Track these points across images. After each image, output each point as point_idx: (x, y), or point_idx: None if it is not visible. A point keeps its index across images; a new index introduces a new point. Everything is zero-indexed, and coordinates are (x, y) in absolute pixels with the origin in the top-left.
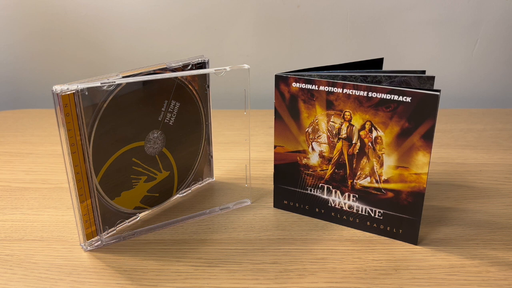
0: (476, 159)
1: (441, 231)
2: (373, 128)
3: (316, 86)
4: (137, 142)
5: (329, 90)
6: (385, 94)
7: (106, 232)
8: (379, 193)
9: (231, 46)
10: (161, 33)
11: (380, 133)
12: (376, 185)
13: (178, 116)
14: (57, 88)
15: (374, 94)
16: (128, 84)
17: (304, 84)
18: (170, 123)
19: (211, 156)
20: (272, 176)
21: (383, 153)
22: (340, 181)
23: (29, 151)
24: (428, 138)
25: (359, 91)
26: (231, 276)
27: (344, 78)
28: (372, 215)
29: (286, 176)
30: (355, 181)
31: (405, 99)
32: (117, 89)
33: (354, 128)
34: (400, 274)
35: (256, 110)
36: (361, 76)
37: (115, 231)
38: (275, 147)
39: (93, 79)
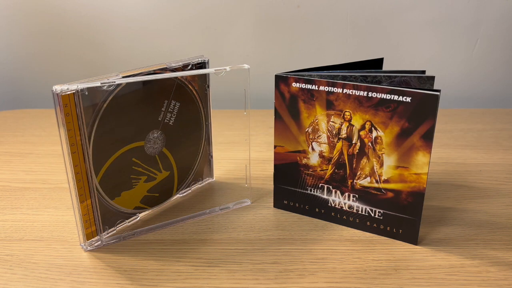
0: (476, 159)
1: (441, 231)
2: (373, 128)
3: (316, 86)
4: (137, 142)
5: (329, 90)
6: (385, 94)
7: (106, 232)
8: (379, 193)
9: (231, 46)
10: (161, 33)
11: (380, 133)
12: (376, 185)
13: (178, 116)
14: (57, 88)
15: (374, 94)
16: (128, 84)
17: (304, 84)
18: (170, 123)
19: (211, 156)
20: (272, 176)
21: (383, 153)
22: (340, 181)
23: (29, 151)
24: (428, 138)
25: (359, 91)
26: (231, 276)
27: (344, 78)
28: (372, 215)
29: (286, 176)
30: (355, 181)
31: (405, 99)
32: (117, 89)
33: (354, 128)
34: (400, 274)
35: (256, 110)
36: (361, 76)
37: (115, 231)
38: (275, 147)
39: (93, 79)
